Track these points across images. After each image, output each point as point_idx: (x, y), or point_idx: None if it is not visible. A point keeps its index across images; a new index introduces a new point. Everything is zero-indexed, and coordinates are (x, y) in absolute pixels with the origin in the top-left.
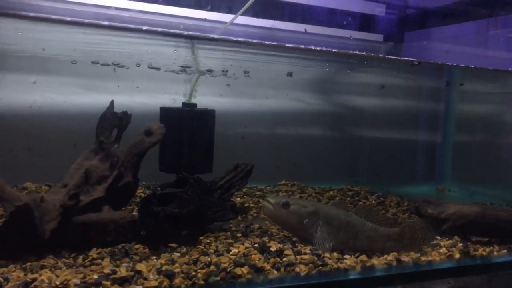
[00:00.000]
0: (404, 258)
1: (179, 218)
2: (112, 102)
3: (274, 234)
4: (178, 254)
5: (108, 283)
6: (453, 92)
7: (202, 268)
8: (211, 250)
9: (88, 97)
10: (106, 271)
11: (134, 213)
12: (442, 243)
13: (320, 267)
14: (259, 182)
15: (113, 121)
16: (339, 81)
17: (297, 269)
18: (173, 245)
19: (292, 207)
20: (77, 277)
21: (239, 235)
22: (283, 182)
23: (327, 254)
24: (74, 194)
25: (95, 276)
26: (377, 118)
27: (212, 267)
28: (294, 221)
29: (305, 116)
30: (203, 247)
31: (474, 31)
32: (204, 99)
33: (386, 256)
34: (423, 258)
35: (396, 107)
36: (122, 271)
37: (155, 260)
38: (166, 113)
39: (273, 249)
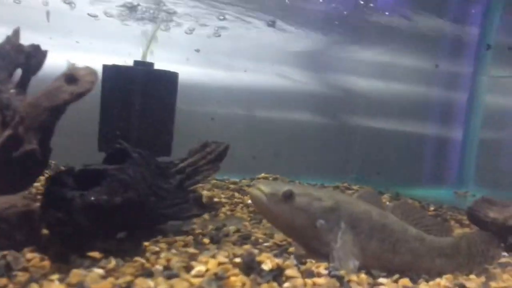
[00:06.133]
0: (469, 284)
1: (108, 210)
2: (16, 31)
3: (261, 241)
4: (100, 271)
5: None
6: (481, 79)
7: None
8: (159, 267)
9: None
10: None
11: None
12: None
13: None
14: (232, 174)
15: (15, 58)
16: (335, 56)
17: None
18: (96, 254)
19: (298, 199)
20: None
21: (206, 241)
22: (262, 175)
23: (352, 276)
24: None
25: None
26: (380, 104)
27: None
28: (301, 222)
29: (291, 97)
30: (144, 261)
31: None
32: (164, 65)
33: (439, 280)
34: (493, 284)
35: (404, 92)
36: None
37: (56, 283)
38: (111, 73)
39: (266, 266)
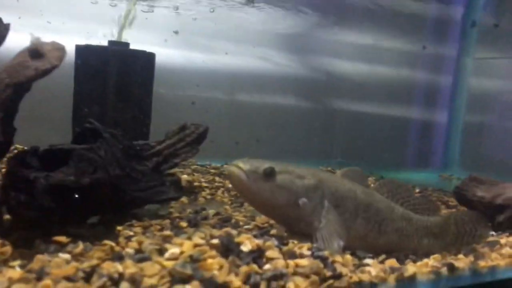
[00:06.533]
0: (458, 264)
1: (76, 191)
2: None
3: (241, 223)
4: (66, 256)
5: None
6: (466, 61)
7: None
8: (129, 250)
9: None
10: None
11: None
12: (502, 241)
13: (331, 281)
14: (214, 159)
15: None
16: (319, 38)
17: (291, 285)
18: (63, 239)
19: (280, 177)
20: None
21: (183, 224)
22: None
23: (337, 257)
24: None
25: None
26: (364, 88)
27: (124, 285)
28: (282, 201)
29: (274, 80)
30: (114, 244)
31: None
32: (141, 47)
33: (426, 260)
34: (482, 264)
35: (388, 75)
36: None
37: (17, 269)
38: (84, 53)
39: (245, 247)
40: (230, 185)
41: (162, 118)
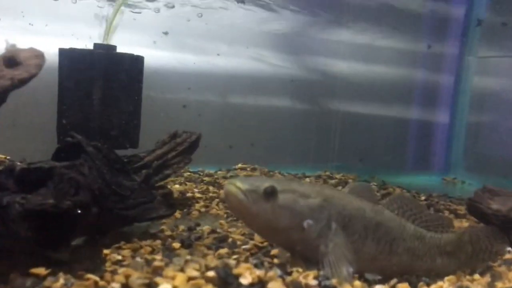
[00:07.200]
0: (475, 287)
1: (56, 216)
2: None
3: (239, 243)
4: None
5: None
6: (469, 60)
7: None
8: (115, 285)
9: None
10: None
11: None
12: None
13: None
14: (207, 165)
15: None
16: (314, 38)
17: None
18: (41, 271)
19: (281, 197)
20: None
21: (176, 245)
22: (239, 165)
23: (346, 286)
24: None
25: None
26: (362, 88)
27: None
28: (285, 223)
29: (268, 81)
30: (98, 278)
31: None
32: (128, 49)
33: (441, 283)
34: (499, 285)
35: (388, 75)
36: None
37: None
38: (68, 57)
39: (245, 280)
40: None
41: (153, 124)
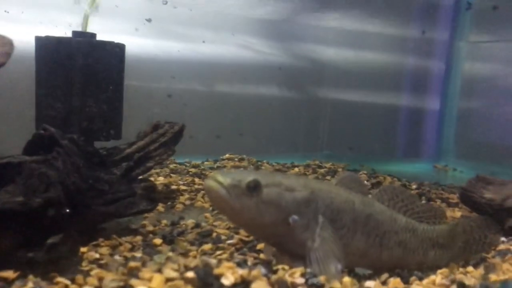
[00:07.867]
0: (468, 281)
1: (26, 215)
2: None
3: (223, 238)
4: None
5: None
6: (459, 45)
7: None
8: None
9: None
10: None
11: None
12: None
13: None
14: (194, 156)
15: None
16: (302, 24)
17: None
18: (10, 274)
19: (266, 191)
20: None
21: (157, 241)
22: (227, 156)
23: (335, 283)
24: None
25: None
26: (351, 75)
27: None
28: (270, 218)
29: (255, 69)
30: (69, 282)
31: None
32: (109, 36)
33: (433, 277)
34: (493, 277)
35: (377, 61)
36: None
37: None
38: (45, 46)
39: (227, 280)
40: None
41: (136, 114)
